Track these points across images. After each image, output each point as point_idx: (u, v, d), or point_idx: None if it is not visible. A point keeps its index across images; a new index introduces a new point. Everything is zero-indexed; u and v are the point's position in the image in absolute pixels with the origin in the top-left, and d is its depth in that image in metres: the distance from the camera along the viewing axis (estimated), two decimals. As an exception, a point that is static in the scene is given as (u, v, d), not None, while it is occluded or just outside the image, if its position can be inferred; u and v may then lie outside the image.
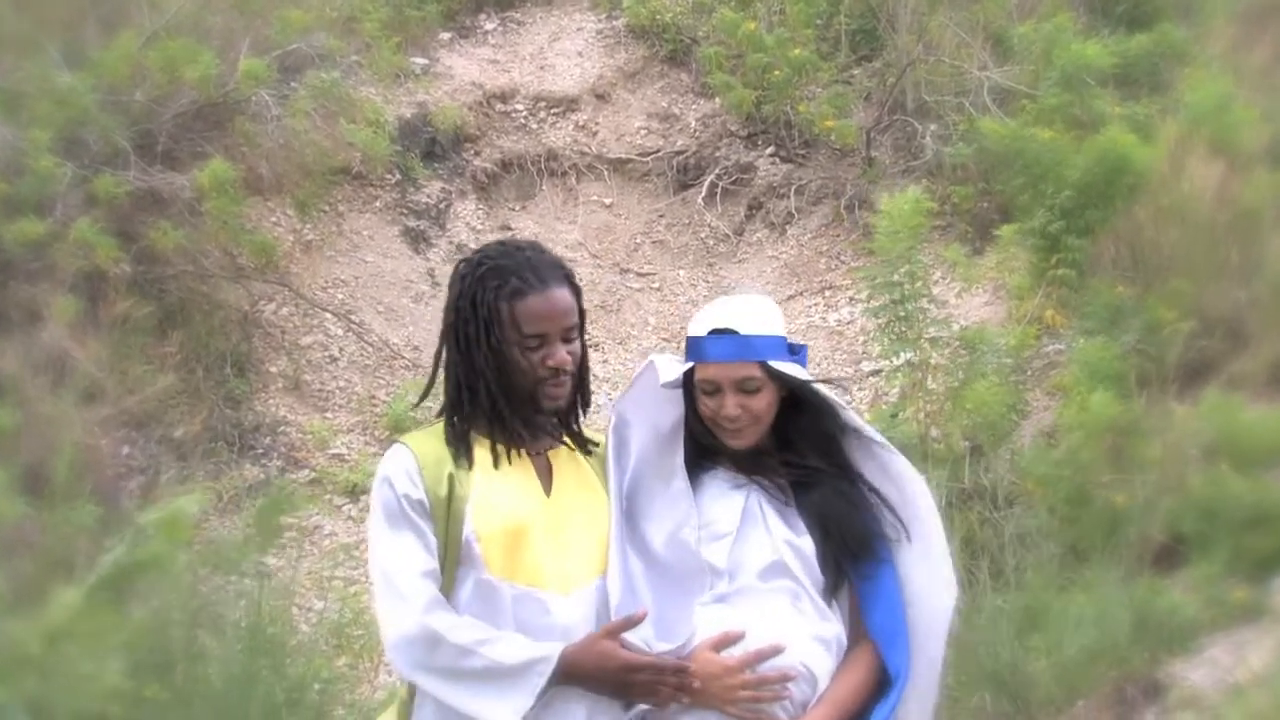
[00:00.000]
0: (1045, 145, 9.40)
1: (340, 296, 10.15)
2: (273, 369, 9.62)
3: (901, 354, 8.95)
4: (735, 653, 3.47)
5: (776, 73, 11.16)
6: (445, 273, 10.48)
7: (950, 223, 10.48)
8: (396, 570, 3.45)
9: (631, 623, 3.44)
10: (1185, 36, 10.41)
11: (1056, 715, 6.72)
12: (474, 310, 3.56)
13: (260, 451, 9.13)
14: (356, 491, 9.00)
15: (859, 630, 3.67)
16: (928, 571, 3.73)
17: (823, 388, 3.74)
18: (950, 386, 9.06)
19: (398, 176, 10.88)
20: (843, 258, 10.52)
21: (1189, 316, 8.82)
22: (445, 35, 11.92)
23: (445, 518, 3.49)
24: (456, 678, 3.41)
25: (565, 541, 3.57)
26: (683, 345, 3.80)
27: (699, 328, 3.69)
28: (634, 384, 3.75)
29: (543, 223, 10.96)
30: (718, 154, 11.45)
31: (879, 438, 3.76)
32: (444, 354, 3.66)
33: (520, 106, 11.64)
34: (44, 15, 9.54)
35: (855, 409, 4.18)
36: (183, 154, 9.67)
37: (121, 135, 9.25)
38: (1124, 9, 10.64)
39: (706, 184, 11.29)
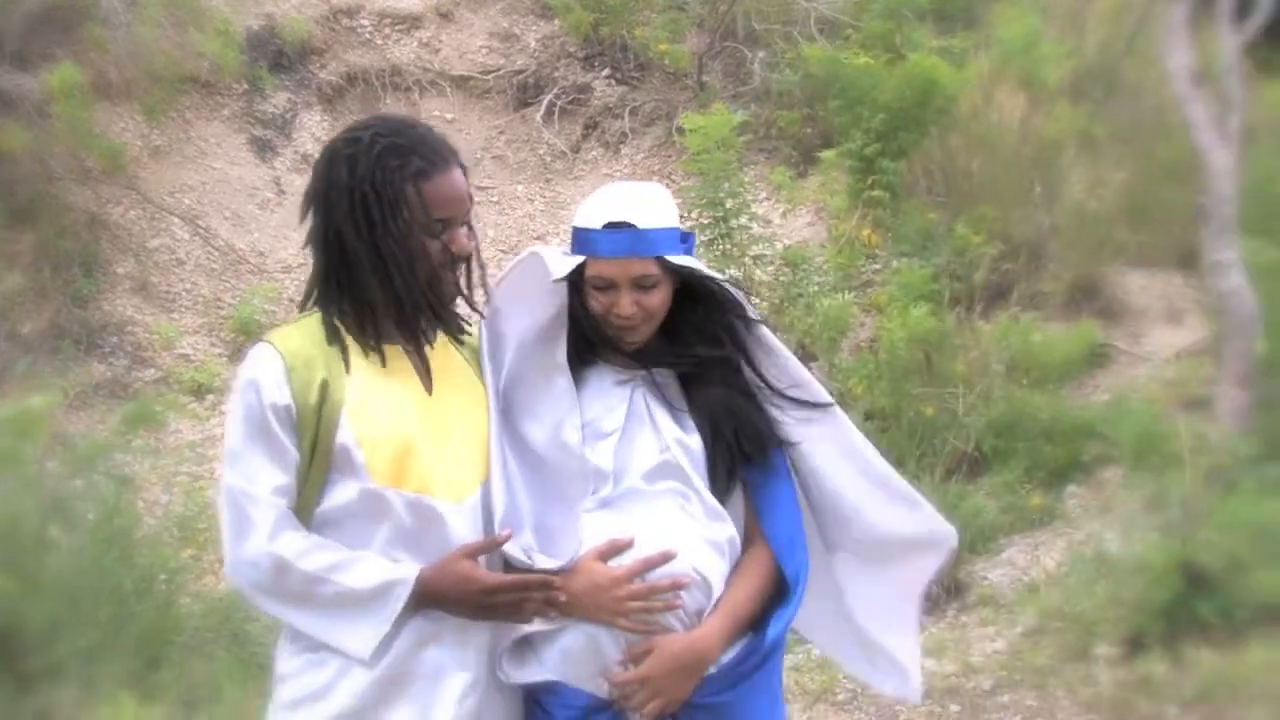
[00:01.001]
0: (861, 70, 9.43)
1: (187, 202, 9.90)
2: (120, 270, 9.37)
3: (726, 270, 8.94)
4: (624, 562, 3.13)
5: (613, -1, 11.04)
6: (290, 181, 10.32)
7: (776, 147, 10.48)
8: (243, 489, 3.04)
9: (494, 544, 3.09)
10: (997, -28, 10.48)
11: None
12: (375, 190, 3.09)
13: (107, 350, 8.91)
14: (202, 391, 8.83)
15: (753, 532, 3.32)
16: (839, 444, 3.35)
17: (721, 279, 3.38)
18: (773, 302, 9.11)
19: (245, 86, 10.62)
20: (674, 177, 10.47)
21: (995, 240, 8.95)
22: (292, -48, 11.63)
23: (315, 425, 3.07)
24: (308, 604, 3.05)
25: (451, 444, 3.17)
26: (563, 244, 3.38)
27: (591, 219, 3.26)
28: (510, 275, 3.32)
29: (386, 135, 10.82)
30: (556, 74, 11.31)
31: (767, 328, 3.39)
32: (326, 241, 3.14)
33: (365, 22, 11.39)
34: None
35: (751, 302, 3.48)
36: (32, 56, 9.39)
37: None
38: (941, -56, 10.66)
39: (545, 103, 11.15)
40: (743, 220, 9.14)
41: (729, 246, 9.07)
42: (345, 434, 3.05)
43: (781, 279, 9.25)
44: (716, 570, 3.18)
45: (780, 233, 9.92)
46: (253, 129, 10.50)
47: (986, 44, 9.96)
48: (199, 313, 9.46)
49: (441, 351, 3.25)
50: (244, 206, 10.21)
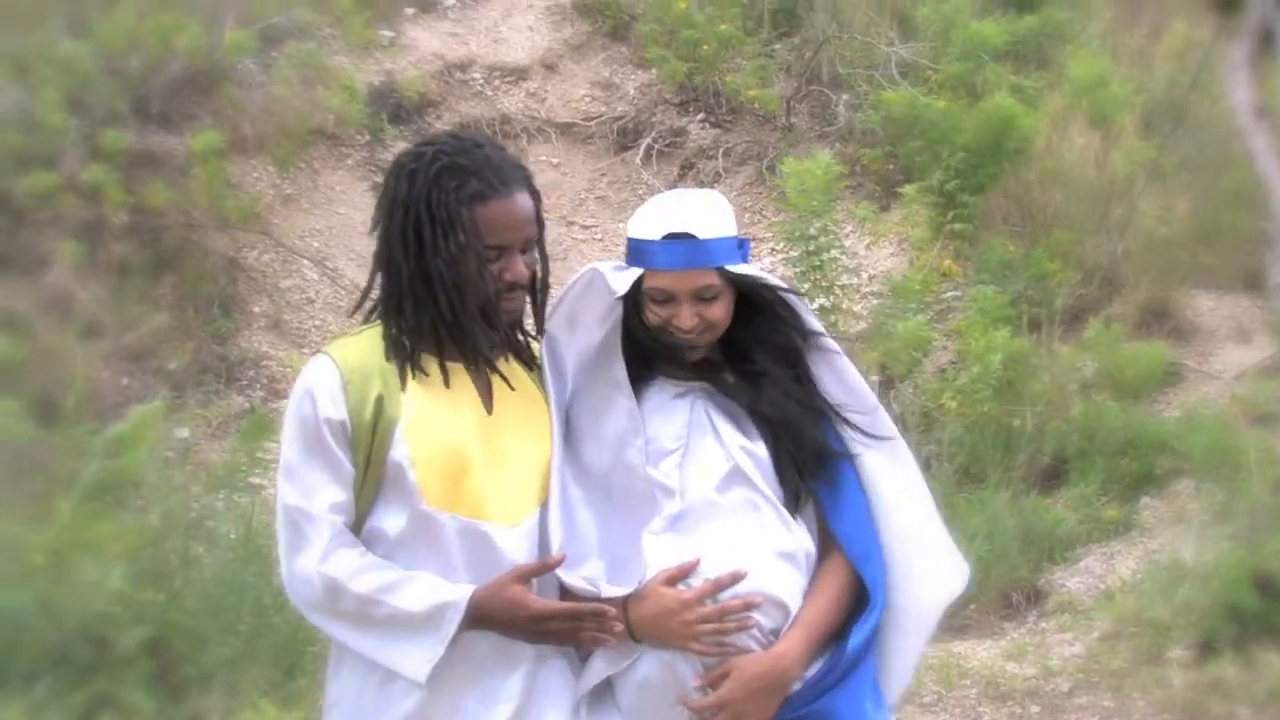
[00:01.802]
0: (940, 112, 9.42)
1: (316, 244, 10.04)
2: (255, 309, 9.53)
3: (816, 299, 8.98)
4: (693, 584, 2.85)
5: (706, 47, 11.10)
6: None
7: (860, 182, 10.48)
8: (299, 505, 2.81)
9: (546, 566, 2.85)
10: (1069, 18, 10.44)
11: (950, 618, 6.67)
12: (429, 212, 2.84)
13: (244, 383, 9.05)
14: (330, 419, 8.92)
15: (827, 541, 3.02)
16: (895, 481, 3.07)
17: (782, 287, 3.09)
18: (860, 329, 9.12)
19: (367, 137, 10.74)
20: (764, 213, 10.52)
21: (1070, 267, 8.91)
22: (410, 10, 11.72)
23: (369, 442, 2.84)
24: (361, 625, 2.83)
25: (507, 465, 2.92)
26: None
27: (648, 229, 2.96)
28: (569, 294, 3.05)
29: (497, 180, 10.93)
30: (653, 119, 11.36)
31: (835, 346, 3.11)
32: (386, 256, 2.90)
33: (477, 75, 11.51)
34: (48, -11, 9.38)
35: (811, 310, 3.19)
36: (175, 116, 9.55)
37: (120, 99, 9.12)
38: (1016, -11, 10.66)
39: (643, 146, 11.20)
40: (832, 254, 9.17)
41: (819, 278, 9.09)
42: (399, 452, 2.82)
43: (868, 307, 9.28)
44: (791, 584, 2.92)
45: (865, 264, 9.93)
46: (374, 176, 10.60)
47: (1059, 83, 9.93)
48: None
49: (507, 371, 2.99)
50: (366, 248, 10.29)
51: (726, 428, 3.00)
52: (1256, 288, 8.22)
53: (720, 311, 2.96)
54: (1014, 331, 8.23)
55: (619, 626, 2.82)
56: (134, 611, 5.57)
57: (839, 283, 9.25)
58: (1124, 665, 5.96)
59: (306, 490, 2.80)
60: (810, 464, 3.01)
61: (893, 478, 3.06)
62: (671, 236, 2.91)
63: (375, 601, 2.78)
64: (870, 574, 2.98)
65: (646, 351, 3.03)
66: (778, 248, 10.10)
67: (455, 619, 2.77)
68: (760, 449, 2.98)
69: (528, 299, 2.98)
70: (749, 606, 2.83)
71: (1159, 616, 6.11)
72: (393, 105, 10.95)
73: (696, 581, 2.84)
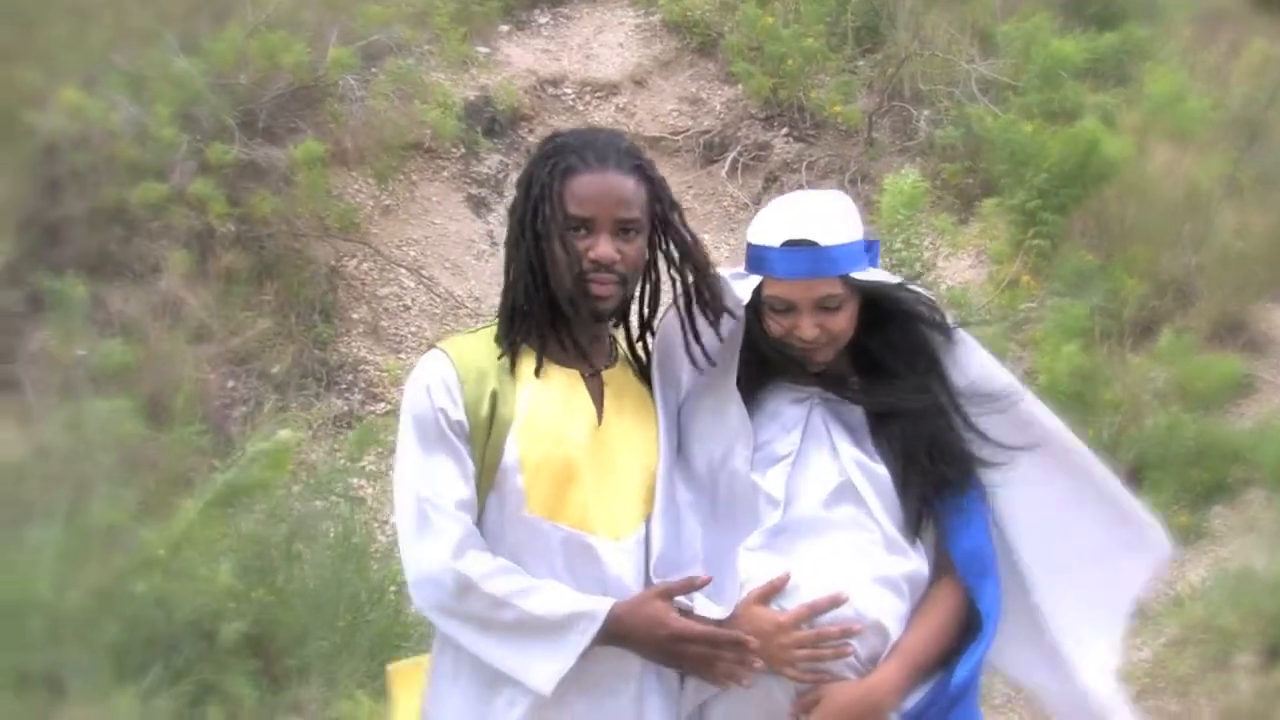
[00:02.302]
0: (1027, 136, 9.42)
1: (413, 254, 10.20)
2: (355, 316, 9.69)
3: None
4: (787, 606, 2.67)
5: (791, 62, 11.13)
6: (502, 234, 10.49)
7: (940, 196, 10.47)
8: (428, 498, 2.68)
9: (693, 585, 2.69)
10: (1148, 35, 10.42)
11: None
12: (528, 190, 2.77)
13: (344, 387, 9.22)
14: (425, 422, 9.07)
15: (942, 565, 2.82)
16: (1051, 489, 2.85)
17: (912, 288, 2.86)
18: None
19: (463, 150, 10.86)
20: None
21: (1146, 280, 8.91)
22: (504, 27, 11.86)
23: (484, 441, 2.70)
24: (487, 629, 2.66)
25: (615, 477, 2.76)
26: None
27: (768, 235, 2.76)
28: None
29: (587, 192, 11.03)
30: (739, 134, 11.40)
31: (972, 340, 2.88)
32: (507, 244, 2.86)
33: (569, 90, 11.62)
34: (163, 9, 9.61)
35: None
36: (280, 129, 9.73)
37: (228, 113, 9.30)
38: (1095, 10, 10.63)
39: (729, 160, 11.26)
40: (915, 269, 9.21)
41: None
42: (509, 454, 2.69)
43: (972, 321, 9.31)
44: (891, 612, 2.71)
45: (943, 274, 9.95)
46: (469, 188, 10.76)
47: (1137, 99, 9.91)
48: (423, 352, 9.68)
49: (618, 377, 2.86)
50: (462, 257, 10.48)
51: (843, 440, 2.81)
52: (1330, 302, 8.20)
53: (844, 322, 2.77)
54: (1088, 343, 8.24)
55: (758, 663, 2.64)
56: (239, 606, 5.75)
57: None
58: (1190, 671, 5.97)
59: (434, 482, 2.67)
60: (946, 476, 2.80)
61: (1048, 484, 2.84)
62: (792, 244, 2.72)
63: (506, 604, 2.62)
64: (985, 600, 2.78)
65: (767, 357, 2.86)
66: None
67: (590, 630, 2.62)
68: (879, 466, 2.78)
69: (626, 291, 2.80)
70: (847, 634, 2.66)
71: (1227, 623, 6.11)
72: (487, 119, 11.08)
73: (792, 602, 2.67)
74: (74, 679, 5.38)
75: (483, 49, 11.52)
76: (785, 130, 11.37)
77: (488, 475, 2.71)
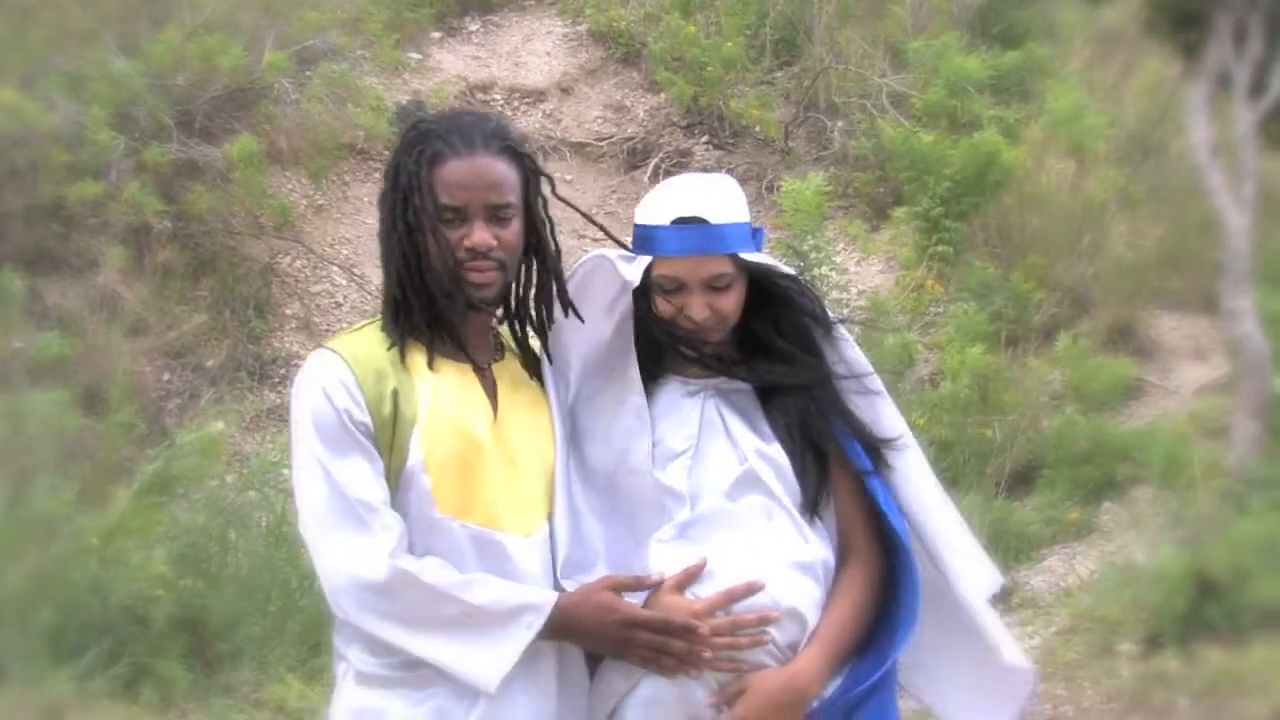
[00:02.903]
0: (929, 145, 9.59)
1: (345, 252, 10.21)
2: (288, 311, 9.71)
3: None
4: (702, 593, 2.52)
5: (711, 69, 11.21)
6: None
7: (852, 203, 10.63)
8: (357, 497, 2.45)
9: (643, 584, 2.53)
10: (1048, 54, 10.59)
11: None
12: (395, 180, 2.55)
13: (277, 380, 9.23)
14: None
15: (849, 545, 2.68)
16: (923, 481, 2.76)
17: (796, 276, 2.75)
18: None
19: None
20: (763, 227, 10.69)
21: (1044, 288, 9.10)
22: (436, 34, 11.89)
23: (389, 442, 2.49)
24: (427, 625, 2.45)
25: (517, 472, 2.57)
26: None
27: (657, 214, 2.62)
28: (570, 280, 2.68)
29: (515, 194, 11.08)
30: (661, 140, 11.49)
31: (849, 337, 2.76)
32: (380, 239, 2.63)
33: (498, 96, 11.65)
34: (102, 10, 9.60)
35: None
36: (216, 130, 9.74)
37: (166, 113, 9.32)
38: (999, 29, 10.80)
39: (652, 165, 11.32)
40: (824, 270, 9.36)
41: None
42: (414, 454, 2.49)
43: (858, 318, 9.46)
44: (808, 598, 2.59)
45: (855, 279, 10.11)
46: None
47: (1038, 115, 10.10)
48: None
49: (508, 370, 2.67)
50: (393, 256, 10.53)
51: (740, 428, 2.67)
52: (1215, 310, 8.37)
53: (732, 302, 2.62)
54: (990, 347, 8.41)
55: (708, 653, 2.48)
56: (173, 593, 5.79)
57: (830, 296, 9.44)
58: (1077, 657, 6.09)
59: (358, 484, 2.46)
60: (839, 452, 2.67)
61: (921, 476, 2.76)
62: (682, 221, 2.59)
63: (448, 597, 2.43)
64: (914, 573, 2.64)
65: (657, 347, 2.70)
66: (774, 261, 10.27)
67: (536, 624, 2.44)
68: (776, 450, 2.65)
69: (506, 277, 2.60)
70: (764, 621, 2.52)
71: (1111, 613, 6.25)
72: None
73: (707, 591, 2.52)
74: (12, 662, 5.41)
75: (415, 55, 11.55)
76: (705, 138, 11.48)
77: (393, 477, 2.50)
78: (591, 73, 11.96)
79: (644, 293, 2.65)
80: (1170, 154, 9.17)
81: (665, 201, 2.64)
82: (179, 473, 6.62)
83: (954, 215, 9.41)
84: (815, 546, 2.63)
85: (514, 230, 2.57)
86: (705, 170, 11.23)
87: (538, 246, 2.64)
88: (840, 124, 11.00)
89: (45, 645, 5.50)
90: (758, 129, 11.24)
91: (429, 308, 2.54)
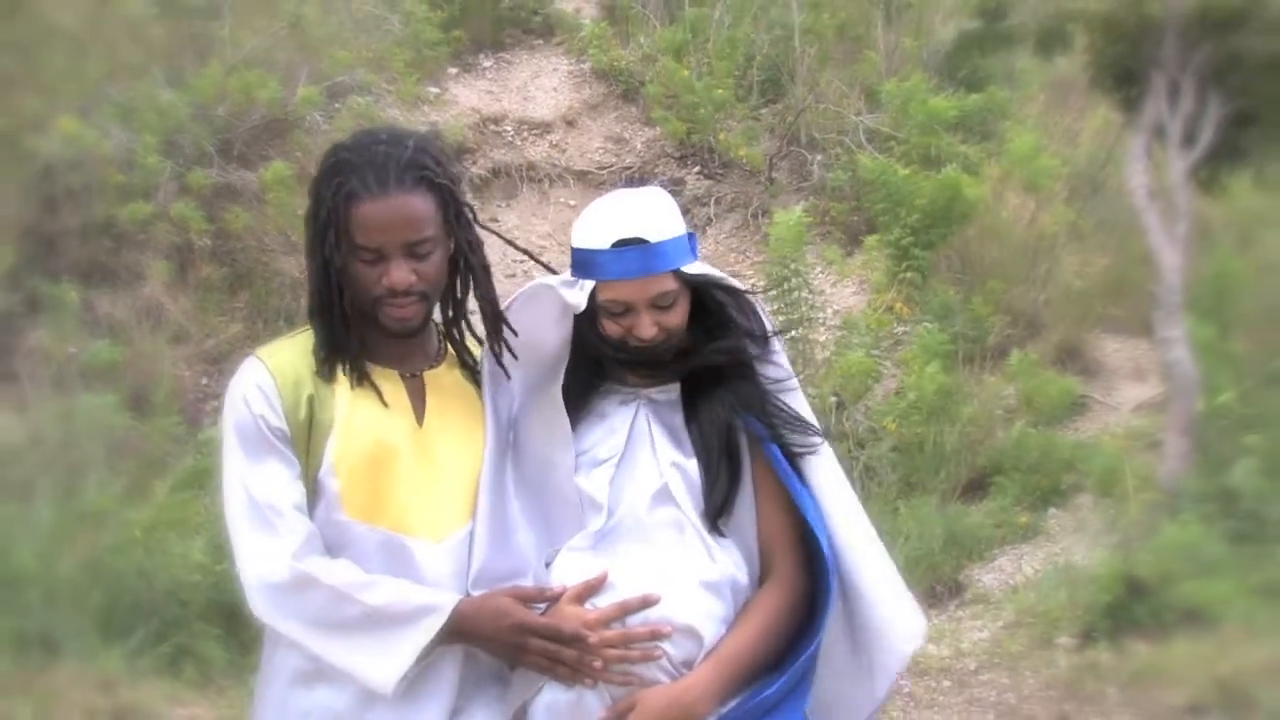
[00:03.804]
0: (901, 180, 9.73)
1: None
2: (314, 322, 9.82)
3: (789, 330, 9.33)
4: (601, 605, 2.36)
5: (702, 110, 11.37)
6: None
7: (829, 230, 10.74)
8: (269, 503, 2.34)
9: (546, 596, 2.39)
10: (1008, 98, 10.71)
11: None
12: (316, 207, 2.42)
13: (305, 385, 9.33)
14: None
15: (769, 565, 2.48)
16: (838, 501, 2.51)
17: (734, 285, 2.56)
18: (824, 356, 9.45)
19: (413, 178, 11.01)
20: (748, 254, 10.80)
21: (1000, 311, 9.24)
22: (453, 70, 12.03)
23: (305, 447, 2.39)
24: (328, 628, 2.32)
25: (437, 479, 2.43)
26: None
27: (595, 238, 2.43)
28: (513, 307, 2.50)
29: (521, 218, 11.19)
30: (657, 170, 11.59)
31: (780, 349, 2.59)
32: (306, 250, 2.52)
33: (508, 127, 11.77)
34: (152, 47, 9.70)
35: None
36: (253, 156, 9.85)
37: (208, 141, 9.44)
38: (964, 74, 10.93)
39: (647, 193, 11.43)
40: (804, 294, 9.50)
41: (791, 311, 9.43)
42: (326, 459, 2.38)
43: (831, 338, 9.61)
44: (706, 615, 2.39)
45: (831, 299, 10.25)
46: None
47: (999, 152, 10.24)
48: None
49: (442, 378, 2.53)
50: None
51: (662, 441, 2.50)
52: (1154, 335, 8.52)
53: (679, 317, 2.47)
54: (948, 365, 8.54)
55: (598, 663, 2.33)
56: (211, 578, 5.91)
57: (807, 316, 9.59)
58: (1021, 649, 6.19)
59: (268, 488, 2.35)
60: (738, 464, 2.48)
61: (836, 485, 2.53)
62: (622, 243, 2.41)
63: (348, 598, 2.31)
64: (827, 583, 2.43)
65: (598, 359, 2.55)
66: (758, 284, 10.42)
67: (434, 627, 2.31)
68: (691, 465, 2.47)
69: (429, 306, 2.48)
70: (656, 636, 2.34)
71: (1051, 609, 6.36)
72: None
73: (605, 602, 2.36)
74: (68, 640, 5.54)
75: (433, 89, 11.68)
76: (697, 169, 11.60)
77: (309, 482, 2.39)
78: (594, 107, 12.08)
79: (588, 314, 2.48)
80: (1115, 192, 9.31)
81: (602, 223, 2.45)
82: (210, 468, 6.74)
83: (922, 244, 9.54)
84: (723, 564, 2.42)
85: (434, 262, 2.43)
86: (696, 199, 11.38)
87: (470, 266, 2.50)
88: (819, 157, 11.13)
89: (97, 626, 5.62)
90: (744, 161, 11.35)
91: (348, 327, 2.42)
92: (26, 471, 6.88)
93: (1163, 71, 7.10)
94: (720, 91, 11.45)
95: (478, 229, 2.55)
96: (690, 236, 2.50)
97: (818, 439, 2.53)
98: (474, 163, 11.49)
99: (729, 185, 11.45)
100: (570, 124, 11.97)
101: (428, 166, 2.42)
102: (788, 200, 10.86)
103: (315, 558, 2.35)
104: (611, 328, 2.47)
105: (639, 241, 2.41)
